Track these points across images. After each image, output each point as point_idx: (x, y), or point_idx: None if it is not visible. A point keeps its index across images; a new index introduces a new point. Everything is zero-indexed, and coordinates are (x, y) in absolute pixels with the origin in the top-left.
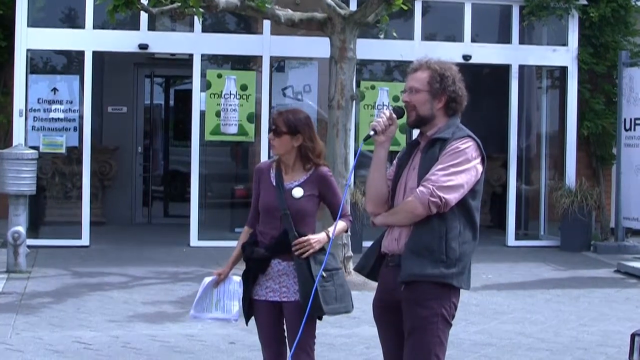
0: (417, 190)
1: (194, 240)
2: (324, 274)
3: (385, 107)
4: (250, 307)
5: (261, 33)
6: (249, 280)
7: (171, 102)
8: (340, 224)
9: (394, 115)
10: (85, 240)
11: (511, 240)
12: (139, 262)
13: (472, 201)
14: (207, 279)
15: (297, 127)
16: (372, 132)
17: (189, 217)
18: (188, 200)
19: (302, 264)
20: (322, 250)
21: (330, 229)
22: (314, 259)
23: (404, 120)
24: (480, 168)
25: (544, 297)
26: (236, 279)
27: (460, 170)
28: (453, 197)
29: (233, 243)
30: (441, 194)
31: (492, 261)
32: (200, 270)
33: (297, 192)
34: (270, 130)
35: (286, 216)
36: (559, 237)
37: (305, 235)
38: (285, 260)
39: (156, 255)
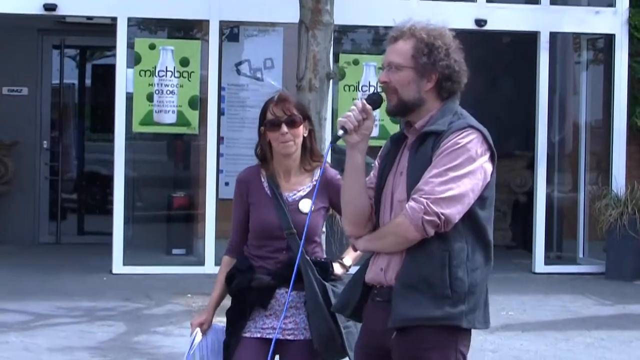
0: (407, 206)
1: (118, 266)
2: None
3: (374, 89)
4: (231, 349)
5: None
6: (239, 317)
7: (88, 82)
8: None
9: (368, 106)
10: None
11: (540, 266)
12: (44, 294)
13: (482, 211)
14: (198, 336)
15: (306, 111)
16: (341, 132)
17: (111, 234)
18: (110, 212)
19: (317, 297)
20: (339, 280)
21: (346, 258)
22: (333, 292)
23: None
24: (489, 167)
25: (583, 341)
26: (221, 326)
27: (461, 175)
28: (455, 212)
29: (170, 269)
30: (439, 210)
31: (515, 292)
32: (125, 305)
33: (307, 206)
34: (274, 123)
35: (292, 236)
36: (603, 262)
37: (315, 258)
38: (295, 290)
39: (67, 285)
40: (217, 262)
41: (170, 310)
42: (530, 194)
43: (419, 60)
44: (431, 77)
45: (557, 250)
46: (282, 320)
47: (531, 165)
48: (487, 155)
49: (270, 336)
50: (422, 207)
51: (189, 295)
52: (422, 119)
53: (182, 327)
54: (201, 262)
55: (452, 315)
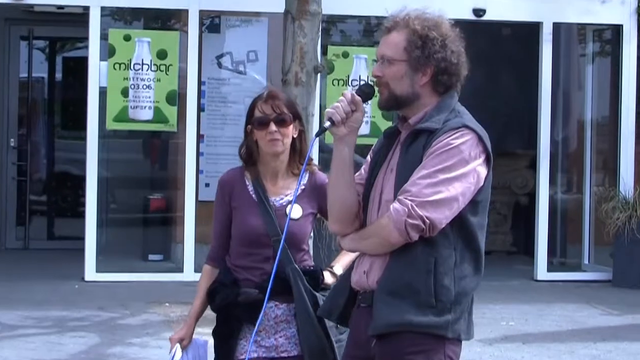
0: (391, 207)
1: (91, 273)
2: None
3: (360, 84)
4: None
5: None
6: (228, 336)
7: (58, 75)
8: (350, 255)
9: (358, 98)
10: None
11: (542, 273)
12: (11, 303)
13: (473, 217)
14: (178, 353)
15: (297, 109)
16: (328, 123)
17: (83, 239)
18: (82, 215)
19: (307, 308)
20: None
21: (336, 266)
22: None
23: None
24: (482, 171)
25: (589, 354)
26: (202, 341)
27: (452, 178)
28: (442, 217)
29: (146, 276)
30: (424, 213)
31: (515, 301)
32: (98, 315)
33: (295, 212)
34: (262, 121)
35: (279, 244)
36: (610, 268)
37: (304, 267)
38: (285, 303)
39: (36, 294)
40: (197, 269)
41: (147, 320)
42: (532, 196)
43: (412, 54)
44: (426, 71)
45: (560, 256)
46: (254, 335)
47: (533, 165)
48: (482, 158)
49: (264, 355)
50: (407, 209)
51: (167, 304)
52: (416, 114)
53: (159, 339)
54: (180, 269)
55: (437, 324)
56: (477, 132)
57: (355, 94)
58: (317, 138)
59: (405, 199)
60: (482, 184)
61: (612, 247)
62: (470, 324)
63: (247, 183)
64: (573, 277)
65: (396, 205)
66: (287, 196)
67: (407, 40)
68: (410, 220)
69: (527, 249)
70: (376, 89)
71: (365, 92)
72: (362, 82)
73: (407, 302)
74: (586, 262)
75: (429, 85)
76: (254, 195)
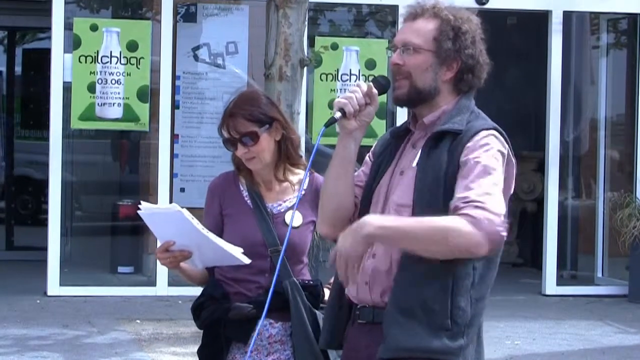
0: (480, 216)
1: (54, 286)
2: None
3: (356, 78)
4: None
5: None
6: (214, 356)
7: (18, 69)
8: None
9: (374, 90)
10: None
11: (551, 287)
12: None
13: None
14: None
15: (268, 114)
16: (338, 115)
17: (45, 250)
18: (45, 223)
19: (305, 328)
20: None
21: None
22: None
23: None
24: (511, 178)
25: None
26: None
27: (498, 185)
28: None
29: (114, 290)
30: (504, 225)
31: (522, 318)
32: (63, 333)
33: (295, 219)
34: (229, 142)
35: (278, 255)
36: (625, 282)
37: (303, 281)
38: (280, 321)
39: None
40: (171, 282)
41: (116, 339)
42: (540, 202)
43: (442, 45)
44: (452, 66)
45: (571, 269)
46: (249, 354)
47: (541, 169)
48: (512, 163)
49: None
50: (500, 221)
51: (138, 321)
52: (432, 112)
53: (129, 359)
54: (152, 282)
55: (450, 349)
56: (504, 136)
57: (372, 86)
58: (325, 128)
59: (484, 209)
60: (510, 191)
61: (627, 258)
62: (480, 347)
63: (242, 188)
64: (585, 291)
65: (487, 214)
66: (286, 202)
67: (439, 29)
68: (499, 229)
69: (535, 261)
70: (389, 81)
71: (381, 85)
72: (353, 80)
73: (421, 323)
74: (599, 275)
75: (451, 82)
76: (249, 202)
